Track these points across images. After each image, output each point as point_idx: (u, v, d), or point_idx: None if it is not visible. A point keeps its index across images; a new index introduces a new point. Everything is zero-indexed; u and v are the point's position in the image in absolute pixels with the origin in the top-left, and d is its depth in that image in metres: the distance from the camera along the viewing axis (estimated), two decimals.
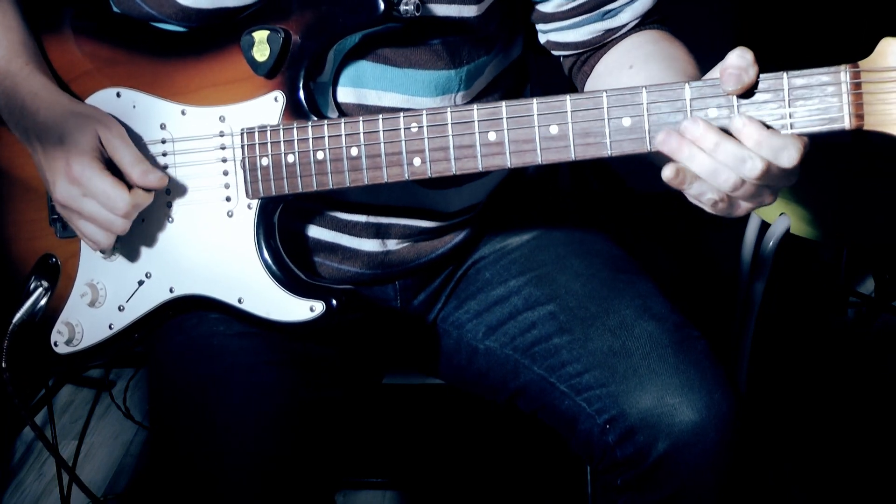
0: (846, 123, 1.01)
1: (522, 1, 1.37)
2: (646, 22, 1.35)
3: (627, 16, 1.34)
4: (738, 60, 1.01)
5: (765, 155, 1.01)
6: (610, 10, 1.33)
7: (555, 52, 1.41)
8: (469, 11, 1.27)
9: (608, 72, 1.35)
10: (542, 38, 1.40)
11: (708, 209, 1.08)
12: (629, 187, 3.15)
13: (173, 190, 1.28)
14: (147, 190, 1.23)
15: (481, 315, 1.42)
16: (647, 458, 1.23)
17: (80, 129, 1.23)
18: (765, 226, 2.10)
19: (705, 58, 1.24)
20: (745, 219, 2.26)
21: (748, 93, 1.03)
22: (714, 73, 1.07)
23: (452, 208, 1.39)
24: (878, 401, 2.43)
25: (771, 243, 2.05)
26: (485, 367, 1.41)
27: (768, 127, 1.02)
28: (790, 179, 1.05)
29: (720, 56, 1.05)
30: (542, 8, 1.35)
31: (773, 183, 1.04)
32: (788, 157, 1.01)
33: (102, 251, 1.30)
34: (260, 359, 1.28)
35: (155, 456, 1.33)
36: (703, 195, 1.06)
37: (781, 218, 2.03)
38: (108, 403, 2.60)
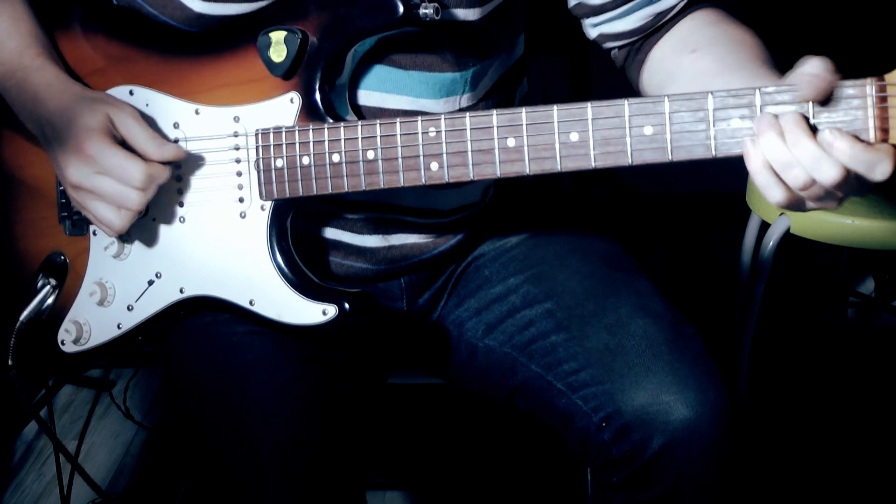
0: (871, 138, 0.99)
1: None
2: (696, 2, 1.31)
3: None
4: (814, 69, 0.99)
5: (859, 170, 0.99)
6: None
7: (606, 45, 1.37)
8: (475, 14, 1.27)
9: (665, 57, 1.31)
10: (593, 33, 1.36)
11: (771, 201, 1.05)
12: (630, 188, 3.15)
13: (185, 189, 1.27)
14: (164, 164, 1.22)
15: (480, 313, 1.42)
16: (643, 456, 1.22)
17: (91, 110, 1.21)
18: (765, 226, 2.10)
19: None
20: (745, 219, 2.26)
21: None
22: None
23: (449, 206, 1.39)
24: (879, 401, 2.43)
25: (771, 243, 2.05)
26: (484, 365, 1.41)
27: (861, 140, 0.98)
28: (864, 190, 1.02)
29: None
30: (589, 1, 1.33)
31: (846, 191, 1.02)
32: (882, 171, 0.98)
33: (117, 235, 1.27)
34: (279, 356, 1.26)
35: (182, 449, 1.32)
36: (769, 188, 1.03)
37: (781, 218, 2.03)
38: (108, 403, 2.60)
